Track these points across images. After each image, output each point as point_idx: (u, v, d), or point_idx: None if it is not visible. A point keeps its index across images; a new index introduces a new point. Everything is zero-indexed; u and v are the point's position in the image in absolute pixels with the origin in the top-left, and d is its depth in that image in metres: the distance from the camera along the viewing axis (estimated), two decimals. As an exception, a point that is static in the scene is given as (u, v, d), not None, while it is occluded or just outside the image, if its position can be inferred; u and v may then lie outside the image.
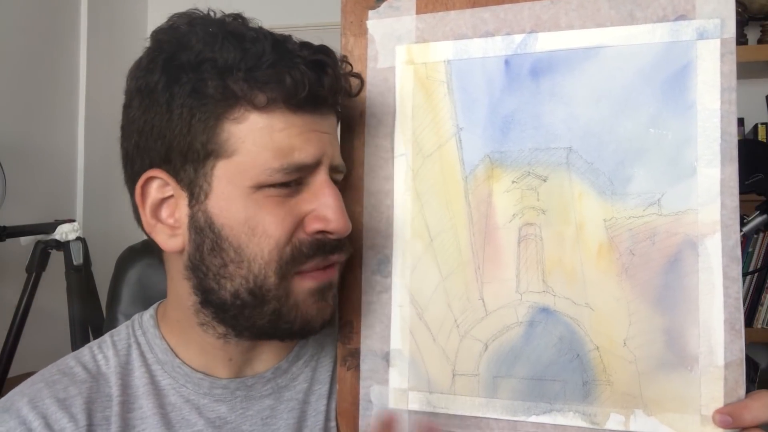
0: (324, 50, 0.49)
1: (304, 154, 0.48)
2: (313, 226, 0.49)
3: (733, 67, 0.47)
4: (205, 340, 0.53)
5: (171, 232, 0.50)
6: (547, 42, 0.51)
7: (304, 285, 0.49)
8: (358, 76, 0.54)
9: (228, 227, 0.48)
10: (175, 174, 0.48)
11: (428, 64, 0.54)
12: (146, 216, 0.50)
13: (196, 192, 0.48)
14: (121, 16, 2.06)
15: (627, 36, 0.49)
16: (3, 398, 0.51)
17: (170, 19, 0.50)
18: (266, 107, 0.47)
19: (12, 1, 1.67)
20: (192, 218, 0.49)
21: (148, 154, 0.49)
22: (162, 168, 0.49)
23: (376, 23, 0.56)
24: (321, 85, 0.47)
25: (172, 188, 0.49)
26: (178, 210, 0.49)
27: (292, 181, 0.48)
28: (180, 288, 0.51)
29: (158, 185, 0.49)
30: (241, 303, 0.49)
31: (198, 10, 0.50)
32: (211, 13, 0.50)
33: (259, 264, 0.48)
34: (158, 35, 0.50)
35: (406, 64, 0.55)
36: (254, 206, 0.47)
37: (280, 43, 0.48)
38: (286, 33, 0.50)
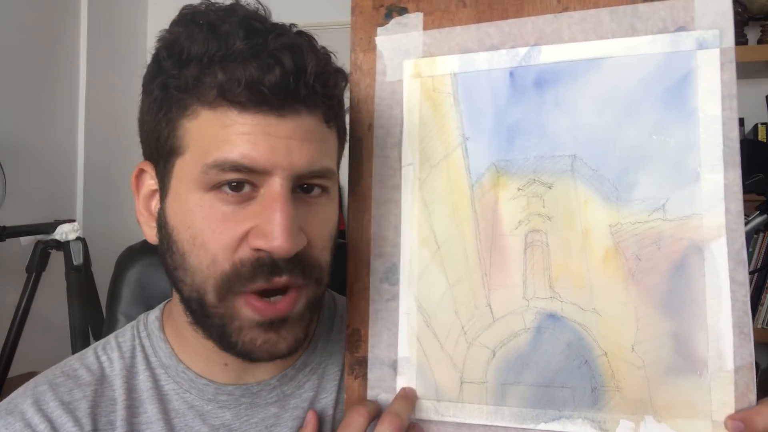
0: (290, 45, 0.44)
1: (244, 155, 0.43)
2: (253, 242, 0.44)
3: (733, 75, 0.48)
4: (198, 340, 0.51)
5: (151, 222, 0.51)
6: (550, 54, 0.53)
7: (246, 311, 0.46)
8: (340, 71, 0.49)
9: (176, 231, 0.46)
10: (155, 167, 0.50)
11: (435, 77, 0.56)
12: (139, 205, 0.52)
13: (163, 189, 0.49)
14: (121, 16, 2.08)
15: (628, 47, 0.51)
16: (6, 400, 0.51)
17: (181, 9, 0.48)
18: (213, 103, 0.44)
19: (12, 1, 1.69)
20: (159, 214, 0.50)
21: (143, 147, 0.51)
22: (149, 160, 0.50)
23: (384, 39, 0.58)
24: (261, 83, 0.43)
25: (155, 182, 0.50)
26: (156, 203, 0.51)
27: (236, 184, 0.44)
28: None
29: (148, 177, 0.51)
30: (192, 311, 0.48)
31: (212, 2, 0.48)
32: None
33: (200, 277, 0.45)
34: (171, 27, 0.48)
35: (413, 77, 0.57)
36: (198, 212, 0.45)
37: (251, 34, 0.44)
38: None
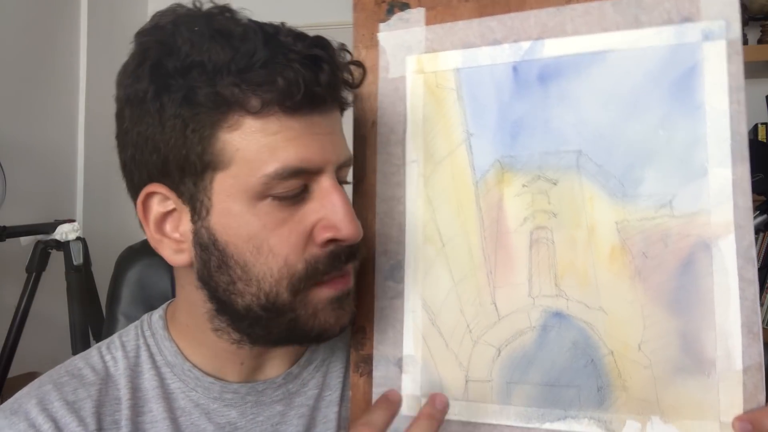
0: (319, 43, 0.46)
1: (301, 159, 0.45)
2: (324, 235, 0.46)
3: (740, 67, 0.46)
4: (219, 345, 0.52)
5: (177, 246, 0.48)
6: (554, 48, 0.52)
7: (322, 295, 0.48)
8: (359, 64, 0.52)
9: (232, 245, 0.46)
10: (175, 188, 0.47)
11: (438, 72, 0.55)
12: (150, 231, 0.49)
13: (197, 207, 0.46)
14: (121, 16, 2.08)
15: (633, 40, 0.49)
16: (10, 400, 0.51)
17: (153, 18, 0.47)
18: (260, 112, 0.44)
19: (12, 0, 1.69)
20: (196, 234, 0.47)
21: (146, 168, 0.47)
22: (161, 182, 0.47)
23: (386, 35, 0.58)
24: (317, 83, 0.44)
25: (173, 202, 0.47)
26: (182, 224, 0.48)
27: (295, 189, 0.45)
28: (193, 296, 0.51)
29: (159, 199, 0.48)
30: (255, 316, 0.48)
31: (181, 5, 0.47)
32: (197, 3, 0.47)
33: (269, 283, 0.46)
34: (142, 37, 0.47)
35: (416, 73, 0.56)
36: (257, 222, 0.45)
37: (271, 37, 0.44)
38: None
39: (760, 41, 1.62)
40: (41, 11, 1.81)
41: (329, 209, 0.46)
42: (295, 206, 0.46)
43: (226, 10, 0.47)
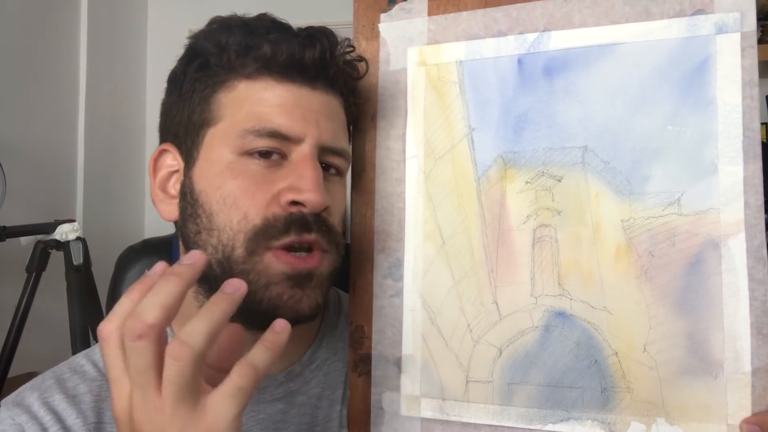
0: (320, 28, 0.50)
1: (280, 123, 0.48)
2: (286, 196, 0.47)
3: (754, 61, 0.45)
4: None
5: (170, 201, 0.52)
6: (560, 40, 0.50)
7: (277, 267, 0.46)
8: (362, 59, 0.54)
9: (204, 193, 0.49)
10: (179, 146, 0.51)
11: (440, 65, 0.54)
12: (154, 187, 0.53)
13: (189, 161, 0.51)
14: (121, 16, 2.07)
15: (643, 32, 0.48)
16: (14, 393, 0.52)
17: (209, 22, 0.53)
18: (252, 75, 0.48)
19: (12, 0, 1.69)
20: (182, 185, 0.51)
21: (166, 132, 0.53)
22: (172, 142, 0.52)
23: (387, 26, 0.56)
24: (303, 54, 0.48)
25: (177, 163, 0.52)
26: (179, 182, 0.52)
27: (272, 152, 0.48)
28: None
29: (169, 159, 0.53)
30: (213, 275, 0.47)
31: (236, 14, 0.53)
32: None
33: (228, 234, 0.47)
34: (192, 37, 0.53)
35: (417, 65, 0.55)
36: (230, 176, 0.48)
37: (287, 28, 0.50)
38: None
39: (760, 41, 1.60)
40: (41, 11, 1.80)
41: (298, 175, 0.48)
42: (269, 170, 0.48)
43: (265, 15, 0.52)
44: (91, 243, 1.53)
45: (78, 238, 1.46)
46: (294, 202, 0.47)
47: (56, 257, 1.47)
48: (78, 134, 1.93)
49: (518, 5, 0.52)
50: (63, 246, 1.44)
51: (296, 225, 0.47)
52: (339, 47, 0.51)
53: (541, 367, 0.49)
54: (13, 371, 1.43)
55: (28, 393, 0.51)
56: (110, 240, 1.60)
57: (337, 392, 0.57)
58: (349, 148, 0.54)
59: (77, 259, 1.44)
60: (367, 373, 0.54)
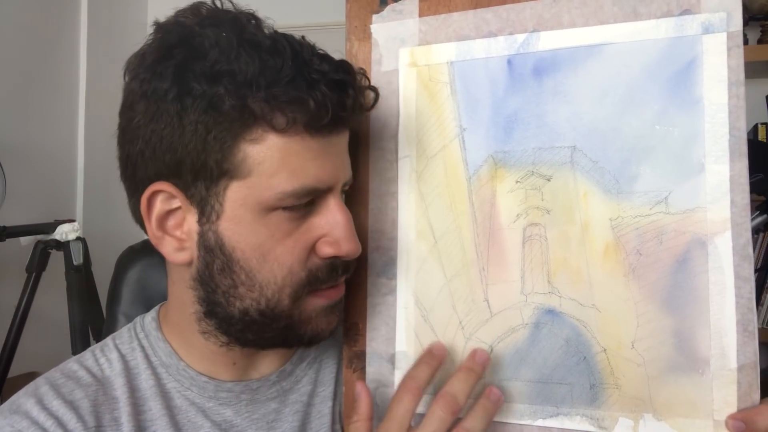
0: (345, 68, 0.47)
1: (317, 179, 0.46)
2: (326, 251, 0.48)
3: (740, 60, 0.45)
4: (207, 347, 0.52)
5: (179, 245, 0.48)
6: (549, 41, 0.51)
7: (318, 303, 0.50)
8: (374, 90, 0.51)
9: (240, 251, 0.47)
10: (185, 189, 0.47)
11: (431, 66, 0.54)
12: (152, 228, 0.48)
13: (207, 211, 0.47)
14: (121, 16, 2.07)
15: (631, 32, 0.48)
16: (6, 402, 0.50)
17: (176, 13, 0.47)
18: (285, 129, 0.44)
19: (12, 1, 1.68)
20: (202, 236, 0.48)
21: (155, 165, 0.46)
22: (170, 181, 0.47)
23: (379, 27, 0.56)
24: (343, 108, 0.46)
25: (179, 201, 0.47)
26: (186, 223, 0.48)
27: (303, 204, 0.47)
28: (183, 295, 0.51)
29: (164, 197, 0.48)
30: (250, 320, 0.49)
31: (204, 3, 0.47)
32: (218, 2, 0.47)
33: (272, 289, 0.48)
34: (164, 32, 0.46)
35: (409, 66, 0.55)
36: (265, 231, 0.46)
37: (298, 54, 0.45)
38: (284, 32, 0.47)
39: (760, 41, 1.61)
40: (41, 11, 1.80)
41: (333, 227, 0.48)
42: (301, 219, 0.48)
43: (252, 17, 0.47)
44: (91, 243, 1.53)
45: (78, 238, 1.46)
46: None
47: (56, 257, 1.47)
48: (78, 134, 1.94)
49: (508, 6, 0.52)
50: (63, 246, 1.44)
51: (339, 272, 0.50)
52: (358, 81, 0.48)
53: (531, 363, 0.50)
54: (13, 371, 1.44)
55: (24, 399, 0.49)
56: (110, 240, 1.60)
57: (328, 389, 0.57)
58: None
59: (77, 259, 1.45)
60: (362, 369, 0.55)
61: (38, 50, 1.79)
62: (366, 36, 0.57)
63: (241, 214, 0.46)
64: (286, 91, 0.43)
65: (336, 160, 0.48)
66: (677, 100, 0.47)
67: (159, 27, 0.47)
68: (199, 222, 0.47)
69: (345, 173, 0.50)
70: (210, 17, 0.46)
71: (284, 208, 0.46)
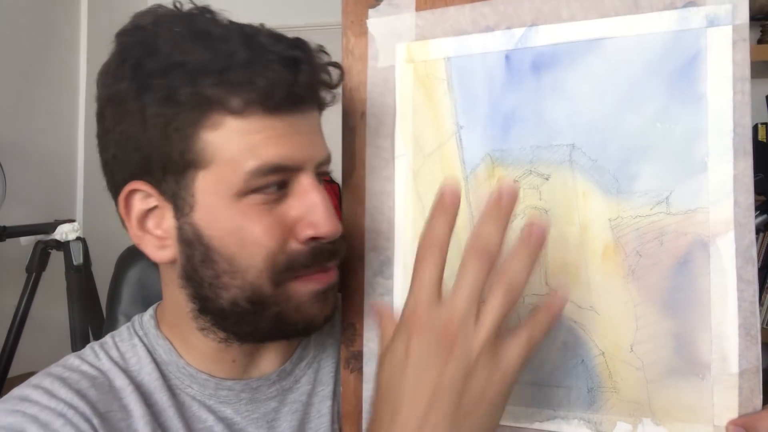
0: (299, 44, 0.47)
1: (281, 156, 0.46)
2: (305, 232, 0.47)
3: (746, 55, 0.43)
4: (206, 344, 0.52)
5: (160, 243, 0.49)
6: (548, 35, 0.49)
7: (306, 288, 0.49)
8: (337, 65, 0.51)
9: (217, 239, 0.47)
10: (157, 185, 0.47)
11: (428, 61, 0.53)
12: (133, 228, 0.49)
13: (180, 204, 0.47)
14: (121, 16, 2.05)
15: (632, 26, 0.47)
16: (7, 396, 0.49)
17: (133, 18, 0.48)
18: (242, 111, 0.45)
19: (12, 1, 1.68)
20: (180, 230, 0.48)
21: (128, 166, 0.48)
22: (143, 179, 0.48)
23: (376, 22, 0.55)
24: (297, 84, 0.45)
25: (155, 199, 0.48)
26: (165, 221, 0.48)
27: (274, 185, 0.47)
28: (177, 295, 0.51)
29: (141, 197, 0.48)
30: (241, 310, 0.48)
31: (162, 6, 0.48)
32: (177, 4, 0.48)
33: (253, 274, 0.47)
34: (123, 37, 0.48)
35: (406, 62, 0.54)
36: (240, 216, 0.46)
37: (251, 38, 0.45)
38: (283, 32, 0.48)
39: (760, 41, 1.56)
40: (41, 11, 1.79)
41: (309, 207, 0.48)
42: (276, 201, 0.48)
43: (206, 11, 0.48)
44: (91, 243, 1.53)
45: (78, 238, 1.46)
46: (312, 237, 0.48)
47: (56, 257, 1.47)
48: (78, 134, 1.95)
49: (506, -1, 0.51)
50: (63, 246, 1.45)
51: (319, 258, 0.48)
52: (320, 60, 0.48)
53: (529, 366, 0.49)
54: (13, 371, 1.44)
55: (29, 391, 0.48)
56: (110, 240, 1.62)
57: (327, 388, 0.57)
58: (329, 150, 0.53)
59: (77, 259, 1.45)
60: (359, 370, 0.55)
61: (38, 50, 1.79)
62: (362, 31, 0.56)
63: (213, 203, 0.46)
64: (238, 73, 0.44)
65: (302, 138, 0.47)
66: (680, 97, 0.45)
67: (119, 33, 0.48)
68: (176, 217, 0.48)
69: (316, 152, 0.49)
70: (165, 16, 0.47)
71: (256, 192, 0.46)
